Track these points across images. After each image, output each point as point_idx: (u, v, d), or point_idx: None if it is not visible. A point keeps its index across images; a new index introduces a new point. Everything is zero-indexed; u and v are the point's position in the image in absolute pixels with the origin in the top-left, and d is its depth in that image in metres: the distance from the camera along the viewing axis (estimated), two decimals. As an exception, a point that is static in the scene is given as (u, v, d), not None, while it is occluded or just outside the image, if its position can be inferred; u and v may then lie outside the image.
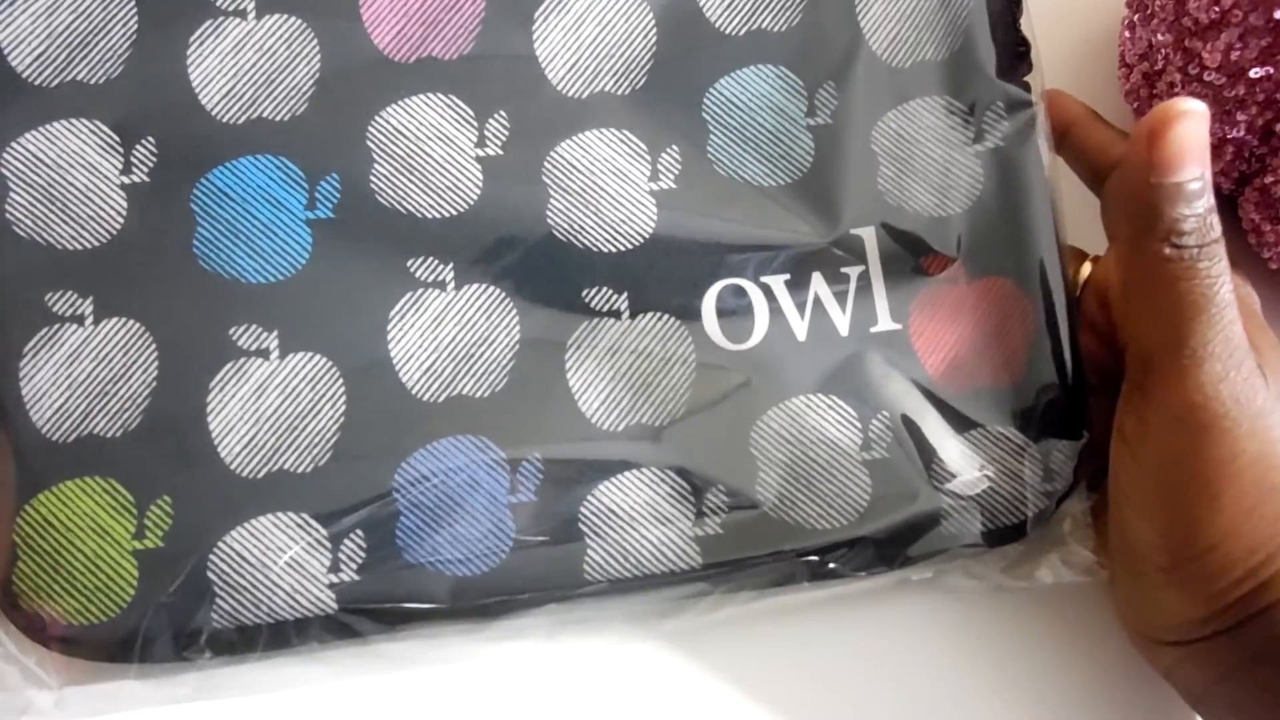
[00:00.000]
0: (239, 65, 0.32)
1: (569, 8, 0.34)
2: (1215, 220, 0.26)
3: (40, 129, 0.32)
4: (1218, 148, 0.29)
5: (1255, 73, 0.28)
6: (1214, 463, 0.25)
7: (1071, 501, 0.32)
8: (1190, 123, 0.25)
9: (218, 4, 0.33)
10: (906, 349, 0.32)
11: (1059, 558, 0.32)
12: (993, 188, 0.33)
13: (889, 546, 0.31)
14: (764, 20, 0.34)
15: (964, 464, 0.32)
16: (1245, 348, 0.25)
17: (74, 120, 0.32)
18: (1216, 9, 0.28)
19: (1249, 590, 0.26)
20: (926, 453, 0.32)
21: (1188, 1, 0.29)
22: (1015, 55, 0.34)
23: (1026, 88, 0.34)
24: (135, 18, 0.32)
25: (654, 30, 0.34)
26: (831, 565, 0.31)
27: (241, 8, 0.33)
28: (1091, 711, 0.32)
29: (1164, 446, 0.26)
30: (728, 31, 0.34)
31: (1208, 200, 0.25)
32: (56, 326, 0.31)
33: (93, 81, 0.32)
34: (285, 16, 0.33)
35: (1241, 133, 0.29)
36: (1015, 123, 0.34)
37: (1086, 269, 0.34)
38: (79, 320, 0.31)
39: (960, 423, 0.32)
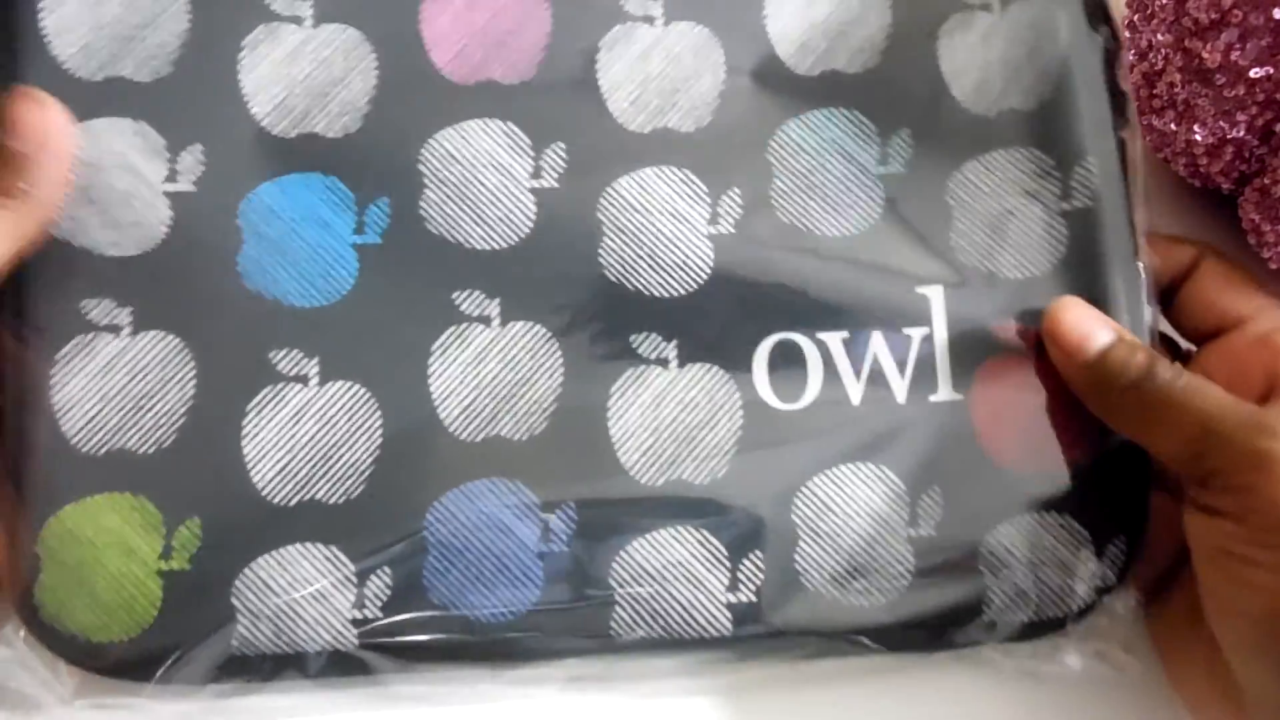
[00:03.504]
0: (292, 75, 0.31)
1: (636, 38, 0.32)
2: (1141, 353, 0.29)
3: (81, 125, 0.30)
4: (1218, 148, 0.29)
5: (1255, 73, 0.28)
6: None
7: (1113, 597, 0.30)
8: (1067, 311, 0.30)
9: (273, 8, 0.32)
10: (966, 423, 0.31)
11: (1093, 649, 0.30)
12: (1076, 252, 0.32)
13: (926, 631, 0.30)
14: (839, 62, 0.32)
15: (1015, 552, 0.30)
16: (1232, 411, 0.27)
17: (117, 119, 0.31)
18: (1216, 9, 0.28)
19: None
20: (976, 536, 0.30)
21: (1188, 1, 0.29)
22: (1110, 109, 0.32)
23: (1122, 144, 0.32)
24: (188, 15, 0.31)
25: (723, 66, 0.32)
26: (864, 643, 0.30)
27: (298, 14, 0.32)
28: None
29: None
30: (799, 72, 0.32)
31: (1130, 349, 0.29)
32: (91, 335, 0.30)
33: (139, 80, 0.31)
34: (343, 27, 0.32)
35: (1241, 133, 0.29)
36: (1106, 182, 0.32)
37: None
38: (115, 330, 0.30)
39: (1015, 506, 0.30)
